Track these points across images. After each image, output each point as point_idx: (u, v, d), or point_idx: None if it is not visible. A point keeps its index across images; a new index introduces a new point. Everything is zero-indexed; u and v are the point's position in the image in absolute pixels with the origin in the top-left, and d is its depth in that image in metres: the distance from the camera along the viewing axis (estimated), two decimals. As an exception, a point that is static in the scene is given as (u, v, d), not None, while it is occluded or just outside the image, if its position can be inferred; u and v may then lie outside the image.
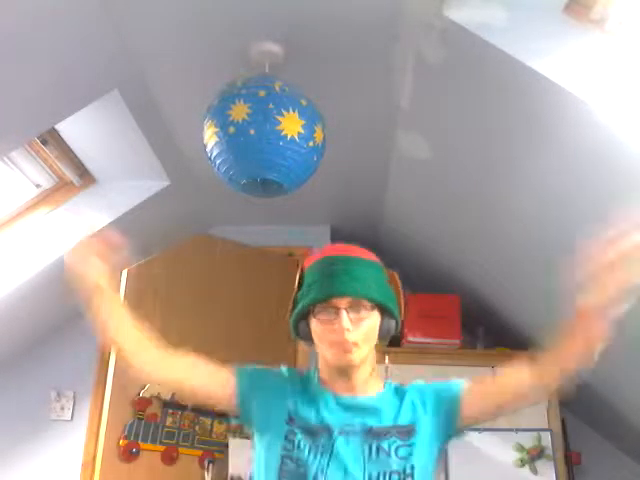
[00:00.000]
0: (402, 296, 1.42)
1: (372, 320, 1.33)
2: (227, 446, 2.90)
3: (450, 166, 2.63)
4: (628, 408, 2.92)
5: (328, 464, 1.27)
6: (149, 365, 1.39)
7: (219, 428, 2.96)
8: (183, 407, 2.89)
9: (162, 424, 2.82)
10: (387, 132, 2.64)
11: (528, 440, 2.87)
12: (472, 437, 2.85)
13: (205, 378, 1.40)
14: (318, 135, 2.04)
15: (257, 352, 3.10)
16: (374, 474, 1.26)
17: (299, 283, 1.41)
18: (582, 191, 2.13)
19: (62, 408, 3.37)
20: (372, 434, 1.30)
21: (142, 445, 2.73)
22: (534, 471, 2.83)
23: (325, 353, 1.34)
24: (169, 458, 2.80)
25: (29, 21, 1.82)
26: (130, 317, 1.42)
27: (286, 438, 1.31)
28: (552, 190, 2.26)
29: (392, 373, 1.48)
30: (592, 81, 1.79)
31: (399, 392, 1.41)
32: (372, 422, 1.32)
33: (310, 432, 1.31)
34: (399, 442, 1.30)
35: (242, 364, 1.43)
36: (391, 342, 3.21)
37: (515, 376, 1.35)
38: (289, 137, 1.96)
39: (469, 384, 1.38)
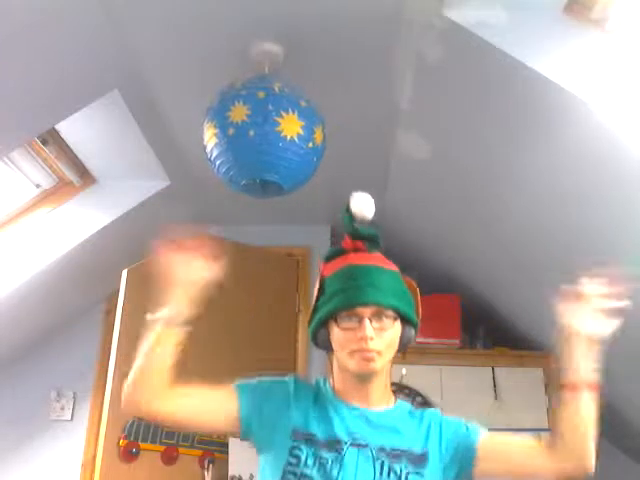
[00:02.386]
0: (419, 304, 1.41)
1: (394, 330, 1.33)
2: (227, 446, 2.90)
3: (450, 166, 2.63)
4: (628, 408, 2.92)
5: (337, 478, 1.25)
6: (156, 401, 1.29)
7: (219, 428, 2.96)
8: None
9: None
10: (387, 132, 2.64)
11: (528, 440, 2.86)
12: (472, 437, 2.85)
13: (208, 410, 1.34)
14: (318, 136, 2.04)
15: (257, 352, 3.11)
16: None
17: (319, 290, 1.40)
18: (583, 190, 2.13)
19: (62, 408, 3.37)
20: (385, 453, 1.29)
21: (142, 445, 2.73)
22: (534, 471, 2.83)
23: (346, 361, 1.32)
24: (169, 458, 2.80)
25: (29, 21, 1.82)
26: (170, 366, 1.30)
27: (290, 453, 1.28)
28: (553, 190, 2.26)
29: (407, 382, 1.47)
30: (592, 81, 1.79)
31: (414, 415, 1.39)
32: (386, 440, 1.31)
33: (318, 446, 1.29)
34: (410, 468, 1.28)
35: (245, 379, 1.38)
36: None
37: (536, 458, 1.33)
38: (288, 138, 1.95)
39: (488, 440, 1.35)
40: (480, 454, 1.33)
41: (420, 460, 1.30)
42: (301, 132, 1.97)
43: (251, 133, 1.93)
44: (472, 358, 3.11)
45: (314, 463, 1.26)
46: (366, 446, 1.29)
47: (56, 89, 2.19)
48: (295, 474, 1.26)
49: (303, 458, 1.27)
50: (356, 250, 1.40)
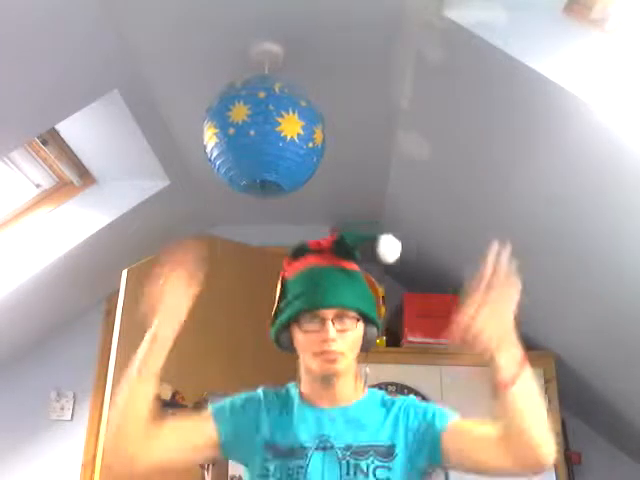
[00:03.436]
0: (380, 299, 1.42)
1: (357, 330, 1.33)
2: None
3: (450, 166, 2.63)
4: (628, 408, 2.92)
5: None
6: (139, 456, 1.28)
7: (219, 428, 2.95)
8: (183, 407, 2.89)
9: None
10: (387, 132, 2.64)
11: (528, 440, 2.86)
12: (472, 437, 2.85)
13: (190, 447, 1.34)
14: (318, 136, 2.04)
15: (257, 352, 3.10)
16: None
17: (281, 292, 1.40)
18: (583, 190, 2.13)
19: (62, 408, 3.37)
20: (351, 451, 1.28)
21: (142, 445, 2.73)
22: (534, 471, 2.83)
23: (309, 363, 1.33)
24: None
25: (29, 21, 1.82)
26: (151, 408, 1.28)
27: (262, 465, 1.30)
28: (553, 190, 2.26)
29: (369, 381, 1.48)
30: (592, 81, 1.79)
31: (385, 403, 1.38)
32: (352, 437, 1.30)
33: (284, 455, 1.29)
34: (377, 463, 1.28)
35: (218, 401, 1.39)
36: (391, 342, 3.23)
37: (497, 456, 1.21)
38: (289, 138, 1.96)
39: (453, 432, 1.28)
40: (444, 446, 1.27)
41: (388, 453, 1.29)
42: (301, 132, 1.98)
43: (251, 133, 1.93)
44: (472, 358, 3.10)
45: (281, 474, 1.27)
46: (332, 447, 1.29)
47: (56, 89, 2.19)
48: None
49: (272, 470, 1.28)
50: (320, 251, 1.40)
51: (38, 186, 2.93)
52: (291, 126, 1.96)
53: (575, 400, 3.13)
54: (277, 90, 1.98)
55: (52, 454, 3.28)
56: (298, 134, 1.97)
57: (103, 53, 2.14)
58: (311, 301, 1.32)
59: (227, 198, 2.68)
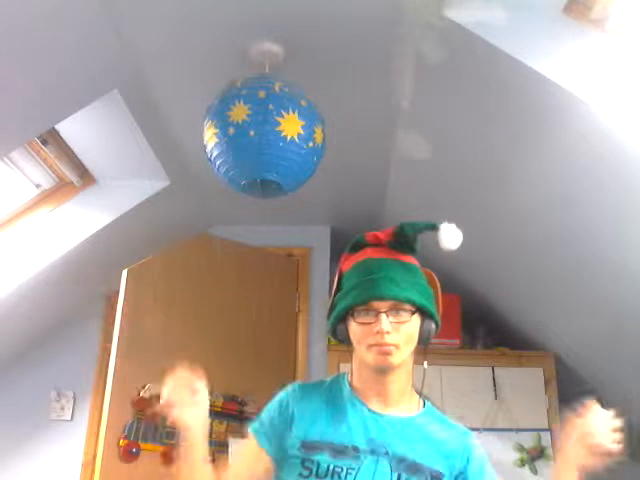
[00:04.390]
0: (440, 296, 1.40)
1: (412, 324, 1.31)
2: (227, 446, 2.90)
3: (451, 166, 2.63)
4: (627, 408, 2.92)
5: None
6: None
7: (219, 428, 2.96)
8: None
9: (162, 424, 2.82)
10: (387, 132, 2.64)
11: (528, 440, 2.87)
12: (472, 437, 2.85)
13: (251, 475, 1.37)
14: (318, 136, 2.04)
15: (256, 352, 3.11)
16: None
17: (337, 285, 1.39)
18: (584, 190, 2.13)
19: (62, 408, 3.37)
20: (405, 465, 1.26)
21: (142, 445, 2.73)
22: (534, 471, 2.84)
23: (364, 355, 1.31)
24: (169, 458, 2.79)
25: (29, 21, 1.82)
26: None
27: (302, 465, 1.27)
28: (553, 190, 2.26)
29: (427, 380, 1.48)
30: (592, 81, 1.79)
31: (446, 423, 1.37)
32: (409, 450, 1.29)
33: (333, 453, 1.27)
34: None
35: (255, 419, 1.40)
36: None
37: None
38: (289, 138, 1.95)
39: None
40: None
41: (438, 478, 1.28)
42: (301, 132, 1.97)
43: (251, 133, 1.93)
44: (472, 358, 3.11)
45: (326, 473, 1.25)
46: (386, 454, 1.26)
47: (56, 89, 2.19)
48: None
49: (314, 469, 1.26)
50: (377, 244, 1.38)
51: (38, 186, 2.93)
52: (291, 126, 1.95)
53: (575, 400, 3.13)
54: (277, 90, 1.98)
55: (52, 454, 3.28)
56: (298, 134, 1.97)
57: (103, 53, 2.14)
58: (364, 293, 1.30)
59: (227, 198, 2.68)
